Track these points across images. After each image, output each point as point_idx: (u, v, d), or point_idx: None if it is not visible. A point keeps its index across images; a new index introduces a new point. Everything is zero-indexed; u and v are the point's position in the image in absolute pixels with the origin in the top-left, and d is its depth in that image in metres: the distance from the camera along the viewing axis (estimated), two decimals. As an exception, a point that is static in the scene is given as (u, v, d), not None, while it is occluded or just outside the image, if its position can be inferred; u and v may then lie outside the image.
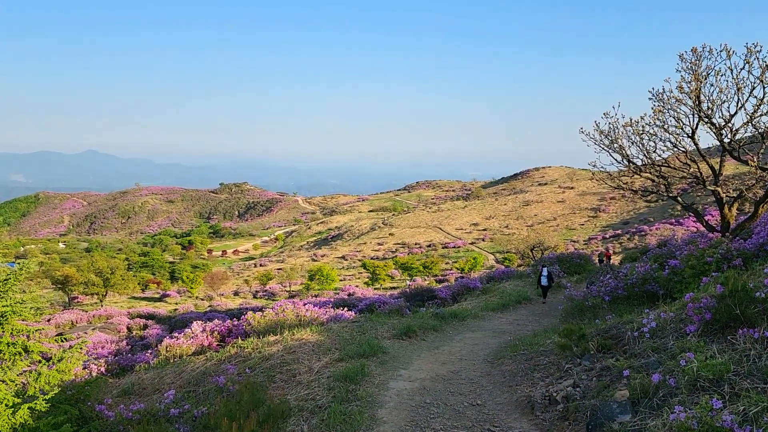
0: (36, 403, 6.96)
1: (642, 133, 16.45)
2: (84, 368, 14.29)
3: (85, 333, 29.37)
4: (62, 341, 9.22)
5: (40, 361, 8.02)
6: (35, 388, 7.49)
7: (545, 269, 20.19)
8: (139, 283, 64.02)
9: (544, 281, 20.07)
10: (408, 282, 55.45)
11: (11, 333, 7.59)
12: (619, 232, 73.20)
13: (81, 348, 8.40)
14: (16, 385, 7.43)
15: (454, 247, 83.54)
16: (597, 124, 17.32)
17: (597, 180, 19.32)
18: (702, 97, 14.77)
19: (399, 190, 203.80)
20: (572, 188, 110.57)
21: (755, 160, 14.69)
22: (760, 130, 14.28)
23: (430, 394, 8.40)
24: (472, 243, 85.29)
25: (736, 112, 14.46)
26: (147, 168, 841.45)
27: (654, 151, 16.57)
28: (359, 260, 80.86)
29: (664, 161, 17.10)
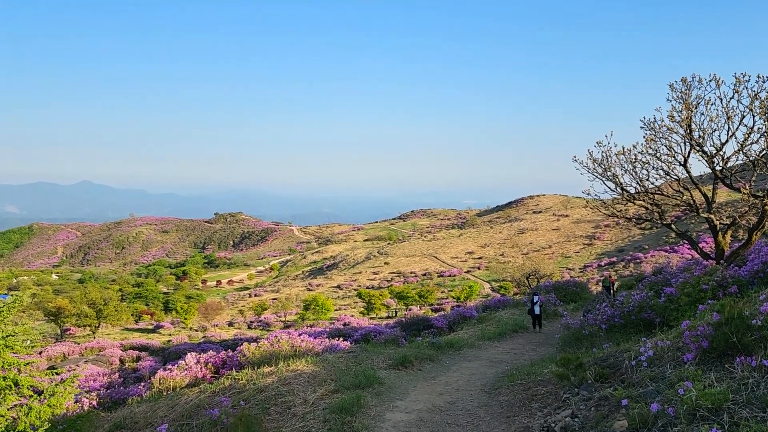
0: (26, 439, 6.84)
1: (635, 162, 16.60)
2: (76, 402, 14.07)
3: (77, 366, 28.98)
4: (54, 374, 9.10)
5: (31, 396, 7.90)
6: (26, 422, 7.36)
7: (536, 297, 20.04)
8: (132, 314, 63.45)
9: (536, 309, 19.92)
10: (404, 311, 55.16)
11: (2, 366, 7.50)
12: (614, 259, 73.28)
13: (73, 382, 8.29)
14: (6, 420, 7.31)
15: (450, 276, 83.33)
16: (590, 153, 17.48)
17: (591, 208, 19.42)
18: (693, 126, 14.97)
19: (394, 218, 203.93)
20: (567, 216, 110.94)
21: (747, 187, 14.82)
22: (751, 158, 14.44)
23: (427, 426, 8.29)
24: (467, 271, 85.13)
25: (727, 141, 14.64)
26: (141, 198, 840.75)
27: (647, 179, 16.71)
28: (354, 289, 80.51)
29: (657, 189, 17.22)
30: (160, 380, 14.45)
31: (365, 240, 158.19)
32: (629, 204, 17.84)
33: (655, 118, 15.68)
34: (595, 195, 17.90)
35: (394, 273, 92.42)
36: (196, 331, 54.25)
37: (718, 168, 15.10)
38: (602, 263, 72.99)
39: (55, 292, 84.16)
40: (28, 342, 8.10)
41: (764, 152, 14.19)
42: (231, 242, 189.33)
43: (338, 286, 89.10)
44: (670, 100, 15.22)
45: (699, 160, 15.45)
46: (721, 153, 14.90)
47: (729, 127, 14.39)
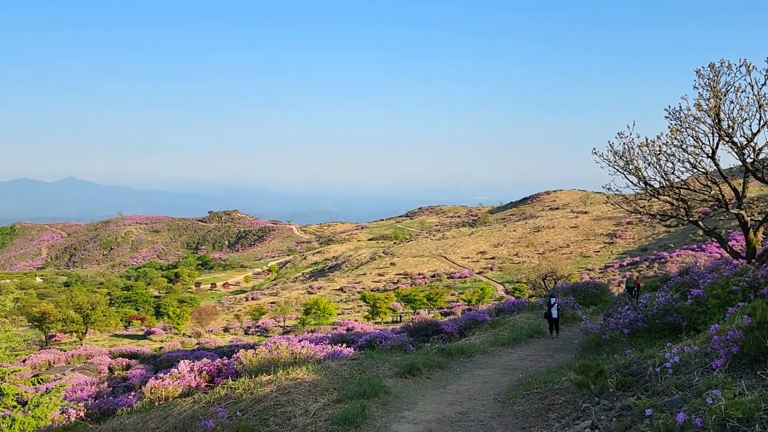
0: (9, 452, 6.88)
1: (659, 154, 16.54)
2: (62, 413, 14.13)
3: (64, 374, 29.14)
4: (39, 383, 9.15)
5: (15, 406, 7.95)
6: (9, 435, 7.41)
7: (553, 299, 19.95)
8: (121, 320, 63.74)
9: (554, 313, 19.83)
10: (411, 315, 55.19)
11: (-16, 375, 7.54)
12: (637, 259, 73.10)
13: (59, 391, 8.34)
14: (-12, 432, 7.36)
15: (461, 277, 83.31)
16: (611, 145, 17.43)
17: (612, 204, 19.38)
18: (722, 115, 14.89)
19: (400, 216, 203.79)
20: (586, 213, 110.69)
21: (780, 181, 14.75)
22: (784, 149, 14.38)
23: (436, 438, 8.31)
24: (479, 272, 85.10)
25: (758, 131, 14.56)
26: (129, 195, 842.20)
27: (672, 173, 16.64)
28: (358, 292, 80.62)
29: (683, 183, 17.17)
30: (151, 390, 14.50)
31: (370, 239, 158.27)
32: (653, 199, 17.80)
33: (680, 106, 15.64)
34: (617, 190, 17.86)
35: (400, 274, 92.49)
36: (190, 337, 54.44)
37: (749, 160, 15.03)
38: (624, 263, 72.81)
39: (40, 296, 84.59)
40: (14, 349, 8.16)
41: (799, 143, 14.13)
42: (226, 242, 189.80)
43: (341, 289, 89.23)
44: (697, 88, 15.15)
45: (728, 152, 15.38)
46: (753, 144, 14.83)
47: (761, 116, 14.31)
